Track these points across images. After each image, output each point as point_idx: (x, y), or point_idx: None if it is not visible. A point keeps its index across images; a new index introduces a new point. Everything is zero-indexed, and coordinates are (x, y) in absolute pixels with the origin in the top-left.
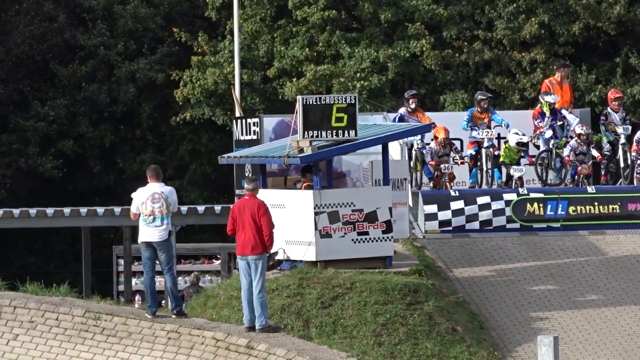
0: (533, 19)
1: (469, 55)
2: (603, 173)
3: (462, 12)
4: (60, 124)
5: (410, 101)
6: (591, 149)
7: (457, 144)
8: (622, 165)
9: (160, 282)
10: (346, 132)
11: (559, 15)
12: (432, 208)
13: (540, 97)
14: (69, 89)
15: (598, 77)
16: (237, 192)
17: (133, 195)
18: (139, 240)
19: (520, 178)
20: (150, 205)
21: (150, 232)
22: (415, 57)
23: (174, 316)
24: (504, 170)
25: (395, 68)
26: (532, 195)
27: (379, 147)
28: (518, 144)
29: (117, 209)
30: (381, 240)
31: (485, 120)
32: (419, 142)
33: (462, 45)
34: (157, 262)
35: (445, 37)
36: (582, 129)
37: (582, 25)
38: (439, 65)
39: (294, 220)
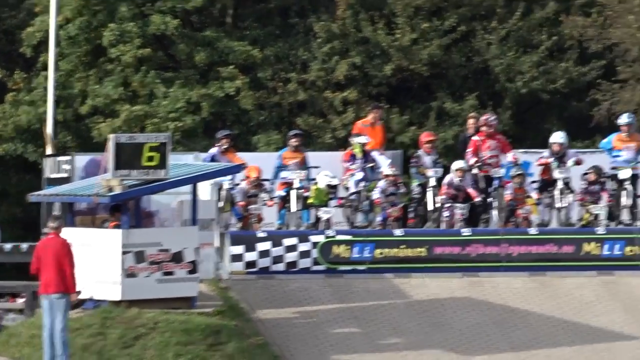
0: (345, 60)
1: (283, 96)
2: (411, 216)
3: (277, 54)
4: None
5: (223, 141)
6: (401, 191)
7: (267, 184)
8: (430, 208)
9: None
10: (157, 171)
11: (373, 57)
12: (239, 249)
13: (351, 138)
14: None
15: (412, 120)
16: (45, 230)
17: None
18: None
19: (328, 220)
20: None
21: None
22: (229, 97)
23: None
24: (312, 211)
25: (209, 108)
26: (339, 237)
27: (189, 187)
28: (328, 186)
29: None
30: (186, 281)
31: (297, 161)
32: (229, 182)
33: (277, 86)
34: None
35: (261, 78)
36: (390, 170)
37: (394, 67)
38: (253, 106)
39: (100, 259)
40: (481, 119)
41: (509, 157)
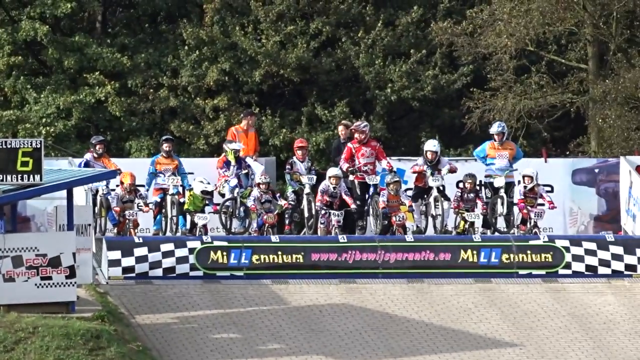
0: (215, 67)
1: (155, 103)
2: (287, 222)
3: (147, 61)
4: None
5: (98, 147)
6: (277, 197)
7: (143, 190)
8: (306, 215)
9: None
10: (31, 176)
11: (242, 63)
12: (116, 254)
13: (225, 145)
14: None
15: (283, 125)
16: None
17: None
18: None
19: (204, 226)
20: None
21: None
22: (100, 103)
23: None
24: (188, 217)
25: (80, 114)
26: (216, 243)
27: (64, 192)
28: (203, 192)
29: None
30: (64, 286)
31: (170, 167)
32: (104, 187)
33: (148, 92)
34: None
35: (131, 85)
36: (261, 179)
37: (263, 72)
38: (124, 112)
39: None
40: (352, 126)
41: (384, 164)
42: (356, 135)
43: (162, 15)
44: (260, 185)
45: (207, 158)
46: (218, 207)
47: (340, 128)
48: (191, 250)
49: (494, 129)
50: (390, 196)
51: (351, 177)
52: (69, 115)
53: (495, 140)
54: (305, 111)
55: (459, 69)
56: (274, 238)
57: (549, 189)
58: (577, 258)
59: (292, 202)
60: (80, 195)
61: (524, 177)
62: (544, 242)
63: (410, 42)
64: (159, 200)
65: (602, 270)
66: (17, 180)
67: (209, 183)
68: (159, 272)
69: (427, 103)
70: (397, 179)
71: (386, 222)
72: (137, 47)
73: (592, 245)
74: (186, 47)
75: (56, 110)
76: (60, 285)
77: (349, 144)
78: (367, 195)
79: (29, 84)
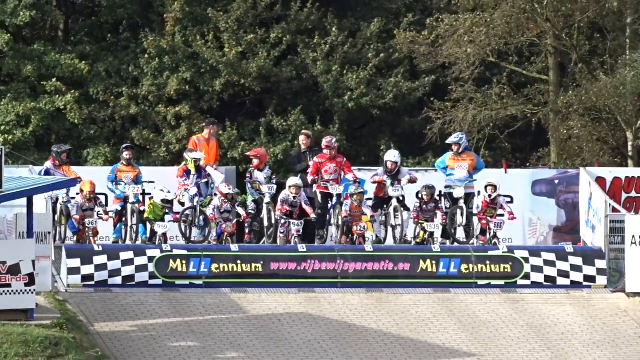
0: (176, 76)
1: (115, 110)
2: (247, 231)
3: (107, 69)
4: None
5: (62, 155)
6: (236, 207)
7: (103, 198)
8: (266, 224)
9: None
10: None
11: (202, 73)
12: (75, 262)
13: (185, 154)
14: None
15: (243, 135)
16: None
17: None
18: None
19: (164, 234)
20: None
21: None
22: (60, 111)
23: None
24: (148, 226)
25: (39, 122)
26: (176, 252)
27: (24, 200)
28: (163, 201)
29: None
30: (23, 293)
31: (130, 174)
32: (65, 195)
33: (109, 99)
34: None
35: (92, 92)
36: (227, 189)
37: (224, 82)
38: (83, 120)
39: None
40: (324, 142)
41: (350, 176)
42: (325, 150)
43: (124, 24)
44: (227, 196)
45: (168, 167)
46: (178, 216)
47: (302, 138)
48: (150, 259)
49: (451, 139)
50: (353, 206)
51: (314, 188)
52: (28, 123)
53: (453, 151)
54: (263, 122)
55: (420, 77)
56: (234, 247)
57: (509, 199)
58: (536, 269)
59: (252, 212)
60: (41, 203)
61: (486, 186)
62: (503, 252)
63: (372, 53)
64: (119, 208)
65: (561, 281)
66: None
67: (169, 192)
68: (118, 280)
69: (388, 111)
70: (361, 190)
71: (347, 231)
72: (97, 56)
73: (552, 256)
74: (146, 56)
75: (15, 117)
76: (19, 293)
77: (316, 159)
78: (329, 205)
79: None
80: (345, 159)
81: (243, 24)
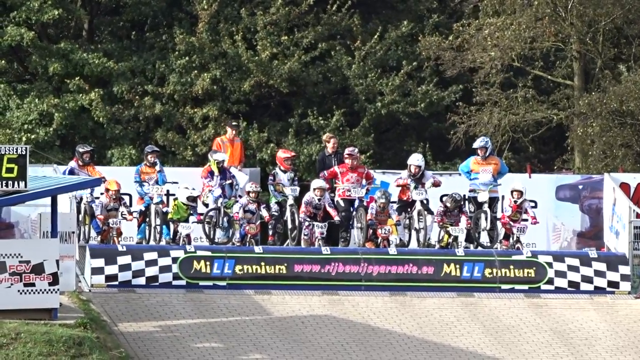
0: (205, 74)
1: (139, 110)
2: (271, 233)
3: (132, 68)
4: None
5: (85, 156)
6: (261, 208)
7: (127, 199)
8: (289, 226)
9: None
10: (16, 183)
11: (231, 72)
12: (99, 262)
13: (209, 155)
14: None
15: (269, 136)
16: None
17: None
18: None
19: (188, 235)
20: None
21: None
22: (84, 110)
23: None
24: (172, 227)
25: (62, 120)
26: (200, 253)
27: (49, 199)
28: (188, 198)
29: None
30: (47, 292)
31: (154, 175)
32: (89, 195)
33: (133, 99)
34: None
35: (116, 92)
36: (252, 187)
37: (253, 83)
38: (108, 119)
39: None
40: (346, 151)
41: (365, 182)
42: (347, 160)
43: (148, 23)
44: (250, 194)
45: (192, 167)
46: (202, 217)
47: (332, 141)
48: (174, 260)
49: (477, 143)
50: (379, 211)
51: (336, 195)
52: (51, 122)
53: (478, 155)
54: (293, 122)
55: (447, 84)
56: (257, 249)
57: (533, 204)
58: (560, 274)
59: (276, 213)
60: (65, 202)
61: (512, 191)
62: (527, 257)
63: (399, 56)
64: (143, 209)
65: (584, 286)
66: (1, 186)
67: (194, 189)
68: (141, 280)
69: (415, 117)
70: (384, 201)
71: (372, 234)
72: (121, 55)
73: (575, 262)
74: (176, 53)
75: (38, 116)
76: (43, 292)
77: (337, 168)
78: (352, 208)
79: (11, 90)
80: (366, 170)
81: (278, 25)
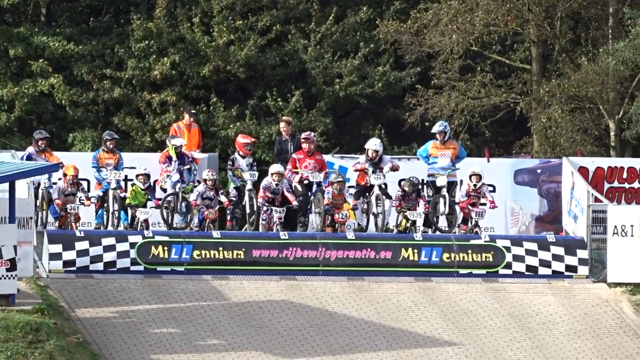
0: (165, 59)
1: (98, 93)
2: (229, 218)
3: (91, 52)
4: None
5: (40, 143)
6: (219, 194)
7: (85, 184)
8: (248, 211)
9: None
10: None
11: (190, 57)
12: (57, 248)
13: (167, 140)
14: None
15: (227, 121)
16: None
17: None
18: None
19: (146, 220)
20: None
21: None
22: (44, 95)
23: None
24: (130, 212)
25: (22, 106)
26: (158, 238)
27: (6, 185)
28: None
29: None
30: (5, 278)
31: (111, 162)
32: (46, 181)
33: (93, 81)
34: None
35: (76, 74)
36: (208, 175)
37: (212, 68)
38: (69, 102)
39: None
40: (302, 135)
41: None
42: (304, 145)
43: (104, 8)
44: (207, 182)
45: (150, 153)
46: (160, 202)
47: (282, 125)
48: (132, 245)
49: (436, 128)
50: (335, 194)
51: (294, 182)
52: (12, 108)
53: (437, 139)
54: (252, 103)
55: (406, 67)
56: (215, 234)
57: (491, 188)
58: (518, 258)
59: (234, 198)
60: (22, 188)
61: (471, 175)
62: (485, 241)
63: (357, 41)
64: (101, 194)
65: (542, 270)
66: None
67: (145, 169)
68: (99, 266)
69: (373, 100)
70: (342, 179)
71: (330, 219)
72: (80, 39)
73: (533, 246)
74: (134, 37)
75: None
76: (0, 278)
77: (294, 155)
78: (309, 193)
79: None
80: (323, 158)
81: (233, 10)
